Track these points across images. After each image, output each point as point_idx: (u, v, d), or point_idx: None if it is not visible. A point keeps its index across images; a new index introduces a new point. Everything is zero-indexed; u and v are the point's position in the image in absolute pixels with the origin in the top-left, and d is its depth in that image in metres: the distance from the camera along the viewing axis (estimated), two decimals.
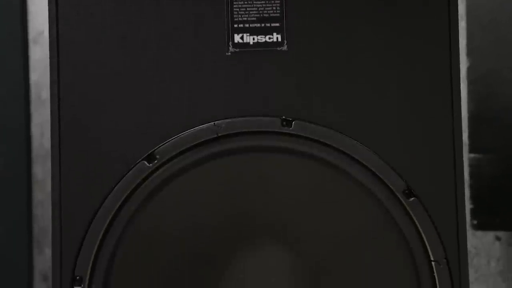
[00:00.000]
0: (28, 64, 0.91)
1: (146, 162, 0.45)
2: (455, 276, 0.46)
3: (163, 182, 0.45)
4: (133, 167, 0.45)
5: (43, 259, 1.16)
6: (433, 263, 0.45)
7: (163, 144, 0.45)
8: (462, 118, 0.47)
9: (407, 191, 0.46)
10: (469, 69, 0.74)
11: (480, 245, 0.76)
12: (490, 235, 0.76)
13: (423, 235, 0.45)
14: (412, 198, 0.45)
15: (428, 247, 0.45)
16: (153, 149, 0.45)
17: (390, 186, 0.45)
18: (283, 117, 0.46)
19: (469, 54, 0.74)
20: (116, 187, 0.45)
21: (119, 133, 0.45)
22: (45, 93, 0.91)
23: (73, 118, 0.46)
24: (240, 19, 0.46)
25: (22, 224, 0.97)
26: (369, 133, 0.46)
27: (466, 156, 0.73)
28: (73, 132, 0.46)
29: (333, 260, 0.46)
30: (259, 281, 0.47)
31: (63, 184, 0.46)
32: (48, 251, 1.04)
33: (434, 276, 0.45)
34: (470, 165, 0.73)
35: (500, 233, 0.76)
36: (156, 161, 0.45)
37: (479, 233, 0.76)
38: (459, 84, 0.46)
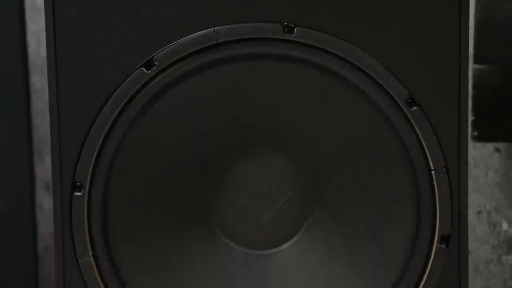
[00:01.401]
0: None
1: (144, 69, 0.44)
2: (454, 185, 0.46)
3: (162, 89, 0.44)
4: (131, 73, 0.44)
5: (44, 168, 1.17)
6: (433, 172, 0.45)
7: (162, 51, 0.44)
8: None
9: (409, 100, 0.45)
10: None
11: (479, 156, 0.77)
12: (489, 147, 0.76)
13: (424, 144, 0.45)
14: (415, 107, 0.45)
15: (428, 156, 0.45)
16: (151, 56, 0.44)
17: (393, 95, 0.45)
18: (285, 23, 0.44)
19: None
20: (114, 94, 0.44)
21: (116, 39, 0.44)
22: (40, 0, 0.88)
23: (69, 25, 0.44)
24: None
25: (22, 134, 0.98)
26: (373, 40, 0.45)
27: (470, 67, 0.72)
28: (69, 39, 0.44)
29: (333, 168, 0.47)
30: (259, 189, 0.48)
31: (61, 92, 0.45)
32: (48, 160, 1.05)
33: (434, 185, 0.45)
34: (474, 76, 0.72)
35: (500, 145, 0.76)
36: (154, 68, 0.44)
37: (479, 144, 0.76)
38: None
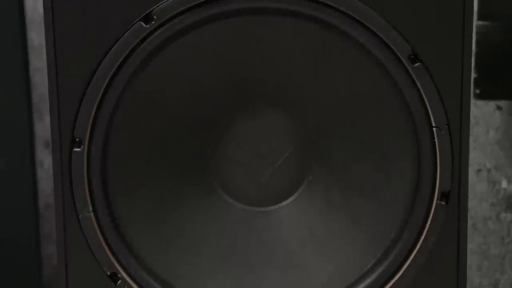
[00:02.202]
0: None
1: (143, 23, 0.44)
2: (455, 142, 0.46)
3: (161, 43, 0.44)
4: (130, 28, 0.44)
5: (44, 125, 1.16)
6: (434, 129, 0.45)
7: (160, 4, 0.43)
8: None
9: (412, 56, 0.44)
10: None
11: (480, 114, 0.77)
12: (491, 105, 0.76)
13: (425, 101, 0.45)
14: (417, 64, 0.44)
15: (430, 113, 0.45)
16: (150, 10, 0.44)
17: (395, 50, 0.44)
18: None
19: None
20: (113, 48, 0.44)
21: None
22: None
23: None
24: None
25: (20, 92, 0.97)
26: None
27: (474, 23, 0.71)
28: None
29: (333, 124, 0.46)
30: (258, 146, 0.48)
31: (58, 48, 0.44)
32: (48, 118, 1.04)
33: (435, 142, 0.45)
34: (477, 33, 0.72)
35: (502, 103, 0.76)
36: (153, 22, 0.43)
37: (480, 102, 0.76)
38: None
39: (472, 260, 0.76)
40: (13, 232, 0.98)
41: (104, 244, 0.46)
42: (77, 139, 0.45)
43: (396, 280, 0.46)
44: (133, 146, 0.45)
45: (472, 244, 0.77)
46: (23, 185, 0.99)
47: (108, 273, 0.46)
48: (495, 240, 0.75)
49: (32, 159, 0.99)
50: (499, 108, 0.76)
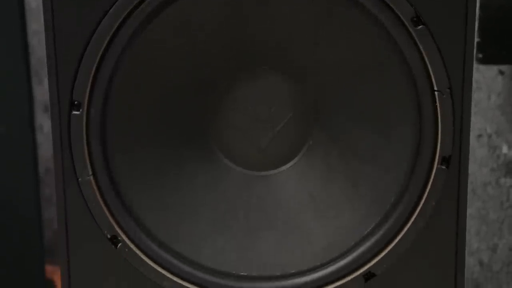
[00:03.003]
0: None
1: None
2: (457, 107, 0.45)
3: (161, 5, 0.43)
4: None
5: (43, 89, 1.16)
6: (436, 92, 0.45)
7: None
8: None
9: (415, 19, 0.44)
10: None
11: (482, 79, 0.76)
12: (493, 70, 0.75)
13: (428, 64, 0.44)
14: (420, 26, 0.44)
15: (432, 76, 0.44)
16: None
17: (398, 12, 0.43)
18: None
19: None
20: (111, 9, 0.43)
21: None
22: None
23: None
24: None
25: (19, 56, 0.96)
26: None
27: None
28: None
29: (334, 88, 0.46)
30: (258, 110, 0.47)
31: (56, 9, 0.44)
32: (47, 82, 1.03)
33: (436, 106, 0.45)
34: None
35: (504, 67, 0.75)
36: None
37: (482, 67, 0.75)
38: None
39: (471, 225, 0.77)
40: (13, 197, 0.99)
41: (104, 207, 0.46)
42: (76, 102, 0.44)
43: (395, 244, 0.46)
44: (132, 109, 0.45)
45: (471, 209, 0.77)
46: (22, 150, 0.98)
47: (108, 236, 0.46)
48: (494, 205, 0.76)
49: (31, 123, 0.99)
50: (501, 72, 0.75)
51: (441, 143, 0.45)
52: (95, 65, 0.43)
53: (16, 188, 0.99)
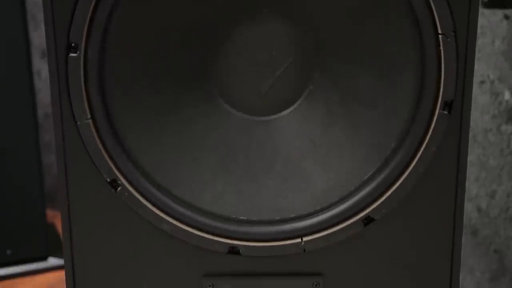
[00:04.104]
0: None
1: None
2: (461, 51, 0.45)
3: None
4: None
5: (40, 35, 1.14)
6: (440, 36, 0.44)
7: None
8: None
9: None
10: None
11: (487, 24, 0.75)
12: (498, 15, 0.74)
13: (433, 7, 0.43)
14: None
15: (437, 19, 0.43)
16: None
17: None
18: None
19: None
20: None
21: None
22: None
23: None
24: None
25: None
26: None
27: None
28: None
29: (336, 32, 0.45)
30: (259, 54, 0.46)
31: None
32: (44, 27, 1.02)
33: (440, 49, 0.44)
34: None
35: (510, 12, 0.73)
36: None
37: (487, 12, 0.74)
38: None
39: (470, 172, 0.77)
40: (13, 143, 0.99)
41: (103, 151, 0.46)
42: (73, 44, 0.44)
43: (395, 189, 0.47)
44: (131, 52, 0.44)
45: (472, 156, 0.77)
46: (21, 96, 0.98)
47: (108, 180, 0.46)
48: (494, 151, 0.75)
49: (29, 69, 0.98)
50: (506, 17, 0.74)
51: (443, 88, 0.45)
52: (91, 6, 0.42)
53: (15, 134, 0.99)
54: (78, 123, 0.45)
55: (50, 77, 0.45)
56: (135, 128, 0.45)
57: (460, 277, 0.53)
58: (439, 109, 0.45)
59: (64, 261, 0.48)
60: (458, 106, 0.46)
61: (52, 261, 1.02)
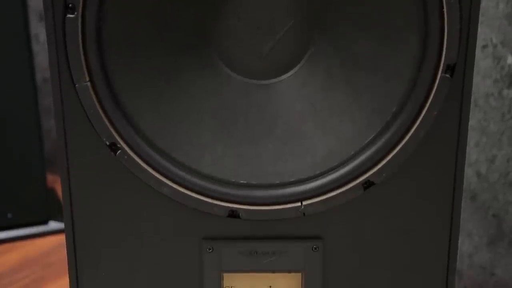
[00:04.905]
0: None
1: None
2: (465, 13, 0.44)
3: None
4: None
5: None
6: None
7: None
8: None
9: None
10: None
11: None
12: None
13: None
14: None
15: None
16: None
17: None
18: None
19: None
20: None
21: None
22: None
23: None
24: None
25: None
26: None
27: None
28: None
29: None
30: (259, 17, 0.46)
31: None
32: None
33: (443, 11, 0.43)
34: None
35: None
36: None
37: None
38: None
39: (471, 136, 0.77)
40: (12, 108, 0.98)
41: (102, 114, 0.45)
42: (70, 5, 0.43)
43: (396, 153, 0.46)
44: (129, 13, 0.43)
45: (472, 121, 0.76)
46: (19, 60, 0.97)
47: (107, 143, 0.46)
48: (494, 116, 0.75)
49: (26, 32, 0.97)
50: None
51: (446, 51, 0.44)
52: None
53: (14, 99, 0.98)
54: (76, 85, 0.45)
55: (47, 39, 0.44)
56: (135, 91, 0.45)
57: (459, 241, 0.53)
58: (441, 73, 0.45)
59: (65, 225, 0.49)
60: (460, 70, 0.45)
61: (53, 224, 1.03)
